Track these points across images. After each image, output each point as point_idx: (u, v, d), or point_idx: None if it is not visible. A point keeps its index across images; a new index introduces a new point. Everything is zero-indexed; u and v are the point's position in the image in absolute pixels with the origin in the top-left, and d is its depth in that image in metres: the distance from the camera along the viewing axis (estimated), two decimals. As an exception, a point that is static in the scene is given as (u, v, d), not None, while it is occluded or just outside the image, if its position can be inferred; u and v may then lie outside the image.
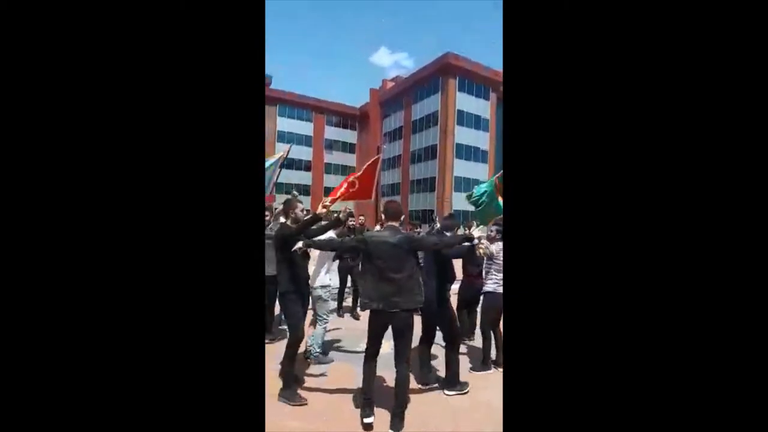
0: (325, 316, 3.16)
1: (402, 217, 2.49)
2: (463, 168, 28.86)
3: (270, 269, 3.15)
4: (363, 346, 2.45)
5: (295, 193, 4.24)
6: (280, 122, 35.05)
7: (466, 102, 29.44)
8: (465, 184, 28.66)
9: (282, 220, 2.99)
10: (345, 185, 4.35)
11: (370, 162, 4.57)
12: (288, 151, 4.75)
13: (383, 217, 2.50)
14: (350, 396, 2.60)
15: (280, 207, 3.81)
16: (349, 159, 39.17)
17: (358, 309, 4.54)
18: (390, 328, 2.28)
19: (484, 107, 30.44)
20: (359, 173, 4.43)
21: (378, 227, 3.34)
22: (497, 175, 4.61)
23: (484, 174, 29.90)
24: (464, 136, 29.24)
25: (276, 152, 4.60)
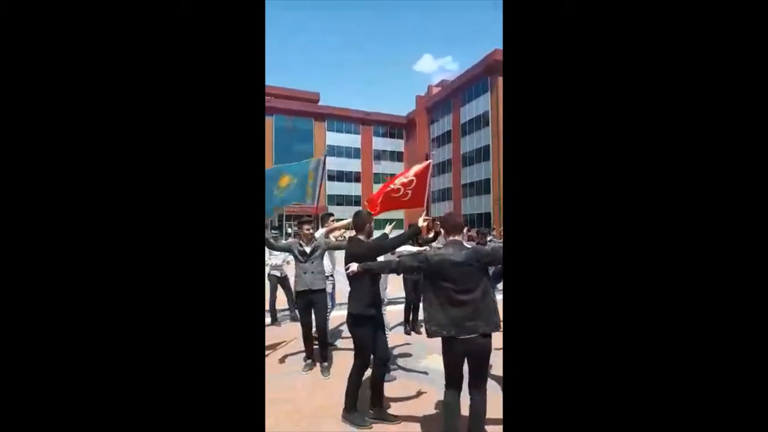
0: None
1: (465, 230, 2.21)
2: (519, 167, 27.30)
3: (319, 283, 3.30)
4: (425, 363, 2.35)
5: (333, 218, 4.23)
6: (329, 136, 36.06)
7: (519, 98, 28.00)
8: (523, 184, 27.06)
9: (343, 234, 2.81)
10: (392, 192, 4.14)
11: (420, 168, 4.25)
12: (324, 158, 4.50)
13: (442, 231, 2.28)
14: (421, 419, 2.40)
15: (332, 219, 4.02)
16: (398, 167, 38.99)
17: (421, 327, 4.22)
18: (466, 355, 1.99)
19: (538, 102, 28.77)
20: (408, 180, 4.13)
21: (438, 242, 3.17)
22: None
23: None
24: (518, 133, 27.73)
25: (326, 165, 4.38)
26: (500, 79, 27.31)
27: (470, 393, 1.98)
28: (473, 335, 1.90)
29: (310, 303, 3.29)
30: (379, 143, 39.01)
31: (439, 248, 2.20)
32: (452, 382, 2.02)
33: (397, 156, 39.53)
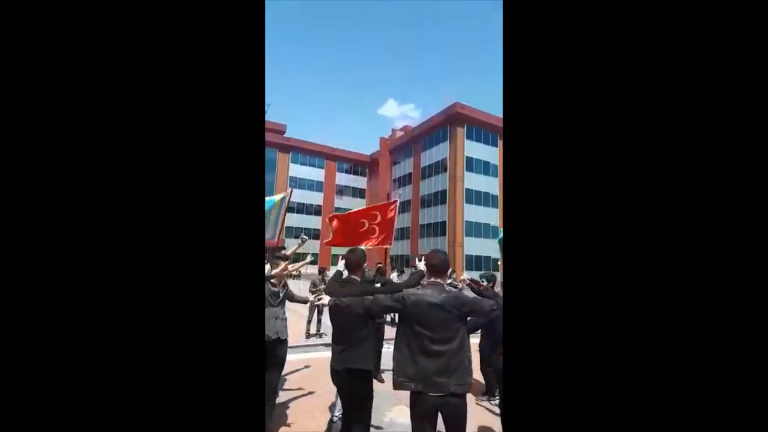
0: None
1: (449, 272, 2.10)
2: (473, 213, 28.81)
3: (285, 332, 2.88)
4: (390, 416, 2.17)
5: (304, 237, 4.00)
6: (292, 168, 36.09)
7: (475, 149, 30.13)
8: (476, 229, 28.45)
9: (339, 271, 2.39)
10: (357, 226, 4.21)
11: (386, 206, 4.44)
12: (290, 194, 4.55)
13: (426, 270, 2.02)
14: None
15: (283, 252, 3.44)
16: (359, 203, 39.53)
17: (381, 374, 4.10)
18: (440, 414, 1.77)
19: (492, 153, 31.04)
20: (371, 215, 4.29)
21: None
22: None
23: (495, 219, 29.75)
24: (474, 181, 29.55)
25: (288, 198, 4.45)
26: (459, 130, 29.41)
27: None
28: (443, 394, 1.69)
29: (276, 356, 2.79)
30: (342, 179, 39.56)
31: (416, 289, 1.94)
32: None
33: (359, 192, 40.17)
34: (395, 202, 4.61)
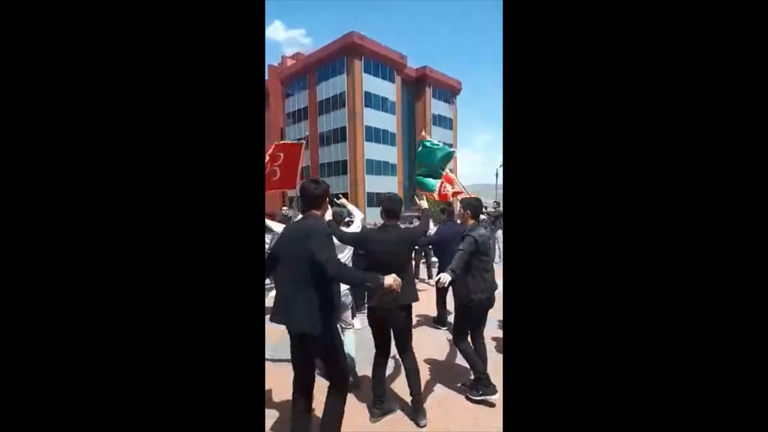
0: (350, 323, 2.93)
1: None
2: (373, 151, 29.20)
3: None
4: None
5: None
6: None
7: (373, 84, 29.56)
8: (376, 167, 29.19)
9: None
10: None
11: (289, 145, 4.18)
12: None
13: (382, 214, 2.26)
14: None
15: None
16: (251, 141, 36.20)
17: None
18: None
19: (390, 89, 30.98)
20: (274, 155, 4.00)
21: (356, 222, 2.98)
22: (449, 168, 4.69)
23: (394, 157, 30.79)
24: (372, 118, 29.47)
25: None
26: (356, 62, 28.16)
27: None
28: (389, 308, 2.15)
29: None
30: (228, 112, 35.08)
31: (373, 229, 2.42)
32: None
33: (249, 128, 36.51)
34: (302, 142, 4.42)
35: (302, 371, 1.86)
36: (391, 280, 1.75)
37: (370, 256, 2.19)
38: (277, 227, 2.73)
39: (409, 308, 2.23)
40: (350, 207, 3.10)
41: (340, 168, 29.50)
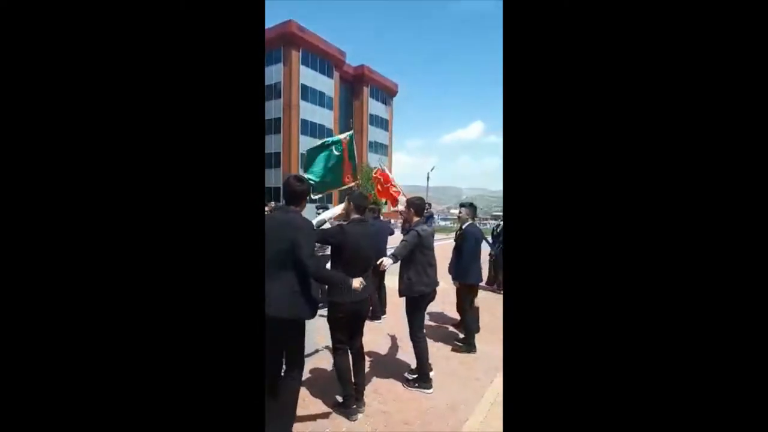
0: None
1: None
2: (308, 144, 28.47)
3: None
4: None
5: None
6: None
7: (310, 77, 28.96)
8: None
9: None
10: None
11: None
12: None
13: (352, 208, 2.35)
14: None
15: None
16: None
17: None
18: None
19: (328, 84, 30.63)
20: None
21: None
22: (342, 138, 4.70)
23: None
24: (309, 112, 28.88)
25: None
26: (294, 53, 27.31)
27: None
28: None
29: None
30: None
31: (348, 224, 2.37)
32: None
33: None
34: None
35: (272, 352, 2.02)
36: (357, 283, 2.01)
37: (350, 249, 2.23)
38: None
39: (368, 299, 2.37)
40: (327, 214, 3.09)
41: (272, 160, 28.38)
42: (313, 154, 4.09)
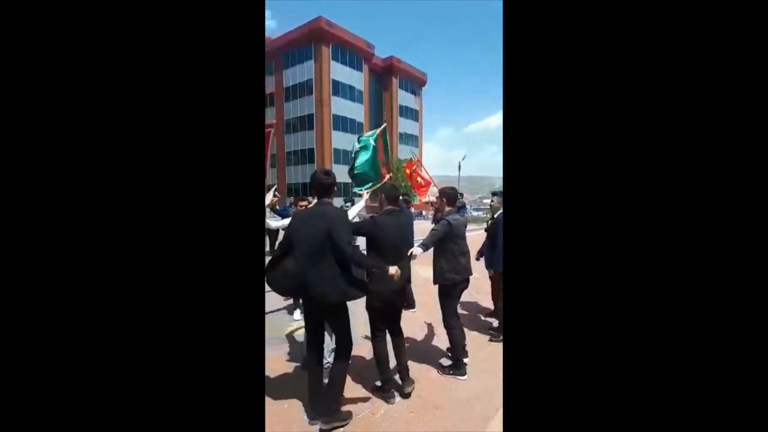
0: None
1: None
2: (340, 139, 28.99)
3: None
4: None
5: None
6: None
7: (341, 72, 29.21)
8: (344, 156, 29.05)
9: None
10: None
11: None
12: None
13: (384, 199, 2.49)
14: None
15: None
16: (212, 126, 34.63)
17: None
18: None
19: (357, 78, 30.75)
20: None
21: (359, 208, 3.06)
22: (377, 132, 4.83)
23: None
24: (340, 107, 29.20)
25: None
26: (324, 49, 27.65)
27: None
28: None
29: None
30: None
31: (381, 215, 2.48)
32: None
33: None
34: (270, 129, 4.46)
35: (315, 331, 2.19)
36: (393, 270, 2.12)
37: (382, 239, 2.33)
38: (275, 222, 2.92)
39: (404, 288, 2.47)
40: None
41: (306, 156, 29.08)
42: (356, 153, 4.34)
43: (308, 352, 2.22)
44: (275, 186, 2.90)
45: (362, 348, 3.13)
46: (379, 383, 2.50)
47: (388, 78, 35.10)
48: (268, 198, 2.47)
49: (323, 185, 2.15)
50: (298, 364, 2.91)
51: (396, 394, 2.46)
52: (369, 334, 2.56)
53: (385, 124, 4.71)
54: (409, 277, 2.52)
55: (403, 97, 36.37)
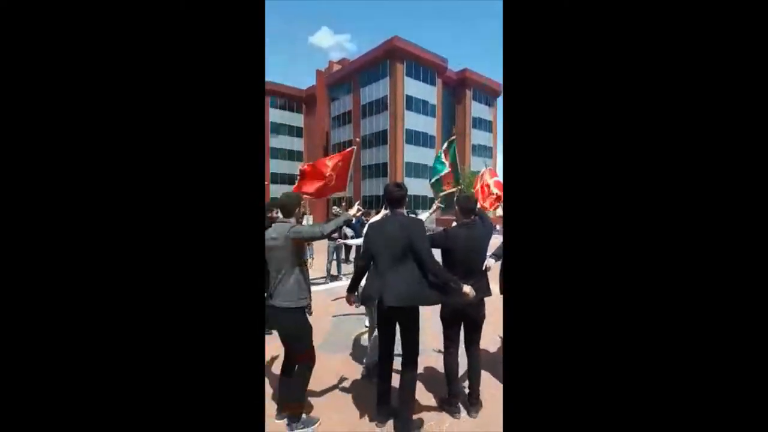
0: None
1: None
2: (413, 153, 29.50)
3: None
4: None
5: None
6: (218, 104, 32.47)
7: (414, 87, 29.85)
8: (415, 170, 29.45)
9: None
10: (328, 180, 4.41)
11: (346, 153, 4.66)
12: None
13: (458, 211, 2.49)
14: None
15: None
16: (296, 143, 37.86)
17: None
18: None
19: (430, 92, 31.10)
20: (331, 168, 4.46)
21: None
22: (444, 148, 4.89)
23: (432, 160, 30.77)
24: (413, 121, 29.76)
25: None
26: (398, 66, 28.60)
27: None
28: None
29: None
30: (277, 116, 36.93)
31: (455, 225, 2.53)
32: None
33: (295, 131, 38.11)
34: (354, 148, 4.81)
35: (388, 337, 2.30)
36: (468, 289, 2.16)
37: (453, 251, 2.37)
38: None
39: (481, 302, 2.44)
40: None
41: (380, 170, 30.09)
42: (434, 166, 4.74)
43: (380, 357, 2.34)
44: (358, 201, 3.13)
45: (436, 359, 3.18)
46: (447, 396, 2.55)
47: (461, 90, 34.88)
48: (353, 210, 2.69)
49: (396, 197, 2.29)
50: (362, 365, 3.08)
51: (462, 408, 2.50)
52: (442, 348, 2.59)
53: (452, 138, 4.88)
54: (487, 290, 2.48)
55: (477, 109, 35.73)
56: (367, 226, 2.55)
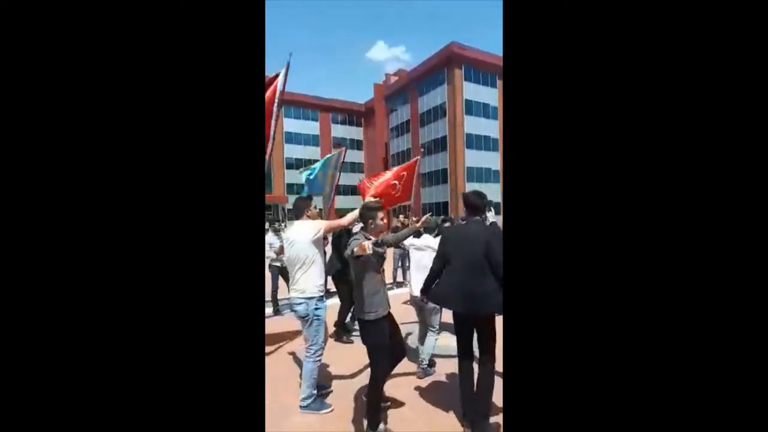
0: (437, 326, 3.17)
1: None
2: (474, 158, 28.80)
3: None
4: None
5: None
6: (286, 123, 35.11)
7: (474, 91, 29.28)
8: (477, 174, 28.67)
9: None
10: (391, 189, 4.49)
11: (410, 164, 4.70)
12: (344, 153, 4.55)
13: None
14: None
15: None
16: (357, 155, 39.18)
17: None
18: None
19: (491, 95, 30.23)
20: (400, 176, 4.47)
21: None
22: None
23: (495, 162, 29.84)
24: (473, 125, 29.13)
25: (285, 153, 4.61)
26: (457, 72, 28.31)
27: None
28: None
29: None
30: (338, 130, 38.71)
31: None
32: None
33: (356, 144, 39.52)
34: (418, 158, 4.84)
35: (467, 341, 2.35)
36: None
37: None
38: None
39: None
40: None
41: (440, 177, 29.82)
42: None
43: (460, 359, 2.37)
44: (429, 213, 3.09)
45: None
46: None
47: (524, 89, 33.33)
48: (421, 221, 2.73)
49: (474, 205, 2.35)
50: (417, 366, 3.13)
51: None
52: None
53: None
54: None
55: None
56: (443, 231, 2.65)
